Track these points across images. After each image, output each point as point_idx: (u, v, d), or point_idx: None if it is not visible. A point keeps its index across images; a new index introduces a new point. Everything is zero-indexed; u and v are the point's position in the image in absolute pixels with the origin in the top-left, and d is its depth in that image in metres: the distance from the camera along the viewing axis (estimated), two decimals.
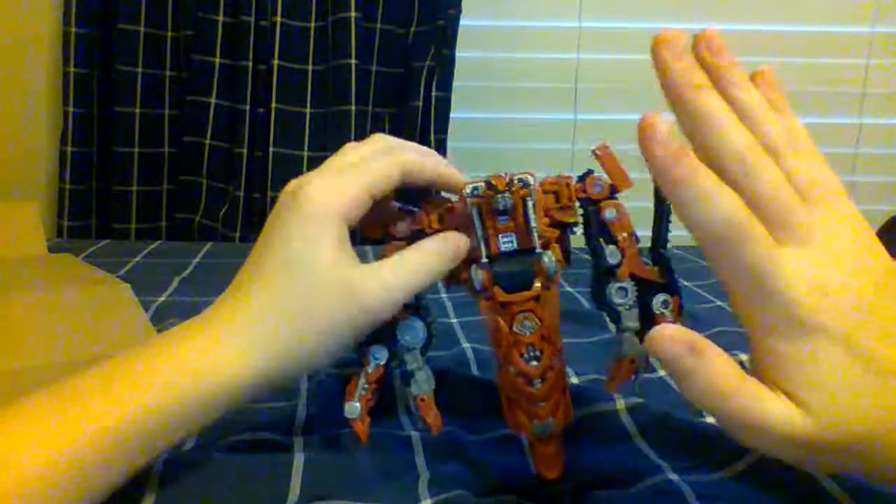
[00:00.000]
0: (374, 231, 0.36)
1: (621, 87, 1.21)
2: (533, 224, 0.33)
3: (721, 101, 0.27)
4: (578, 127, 1.26)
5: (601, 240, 0.34)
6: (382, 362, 0.35)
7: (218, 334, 0.32)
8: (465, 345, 0.54)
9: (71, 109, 1.09)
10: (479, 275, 0.34)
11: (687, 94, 0.27)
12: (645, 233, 0.34)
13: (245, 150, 1.10)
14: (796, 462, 0.27)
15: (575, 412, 0.36)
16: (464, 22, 1.12)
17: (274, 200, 0.39)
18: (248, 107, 1.09)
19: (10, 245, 0.78)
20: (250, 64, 1.08)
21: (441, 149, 1.15)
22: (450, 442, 0.39)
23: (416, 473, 0.36)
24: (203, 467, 0.35)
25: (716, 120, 0.27)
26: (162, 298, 0.66)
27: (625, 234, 0.34)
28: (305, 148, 1.11)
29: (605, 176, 0.34)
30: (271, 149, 1.09)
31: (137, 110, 1.11)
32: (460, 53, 1.13)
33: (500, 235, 0.33)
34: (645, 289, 0.34)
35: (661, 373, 0.49)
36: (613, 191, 0.34)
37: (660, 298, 0.33)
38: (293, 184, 0.35)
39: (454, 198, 0.36)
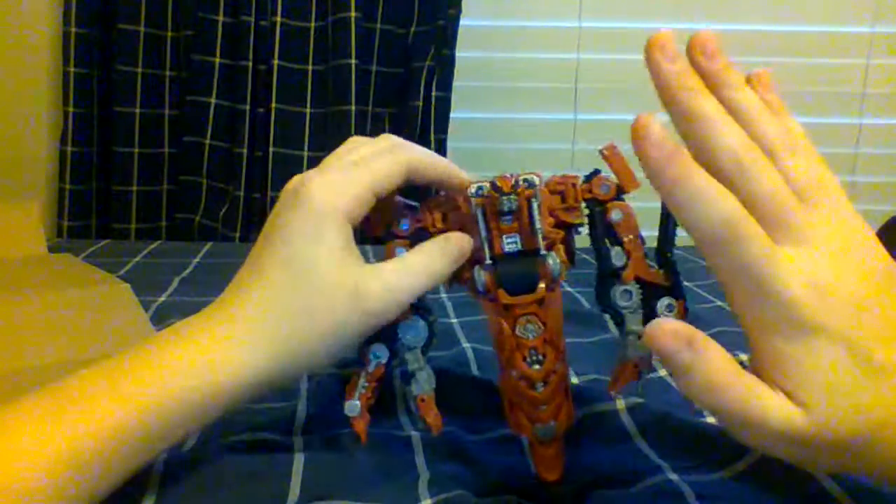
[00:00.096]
0: (377, 229, 0.36)
1: (621, 87, 1.21)
2: (538, 226, 0.32)
3: (715, 102, 0.27)
4: (578, 127, 1.26)
5: (606, 241, 0.34)
6: (383, 361, 0.35)
7: (218, 333, 0.32)
8: (465, 345, 0.54)
9: (71, 109, 1.09)
10: (482, 276, 0.33)
11: (680, 96, 0.27)
12: (651, 233, 0.34)
13: (245, 150, 1.10)
14: (795, 460, 0.27)
15: (575, 412, 0.36)
16: (464, 22, 1.12)
17: (274, 200, 0.39)
18: (248, 107, 1.09)
19: (10, 245, 0.78)
20: (250, 64, 1.08)
21: (441, 149, 1.15)
22: (450, 442, 0.39)
23: (416, 473, 0.36)
24: (203, 467, 0.35)
25: (710, 121, 0.27)
26: (162, 298, 0.66)
27: (631, 237, 0.34)
28: (305, 148, 1.11)
29: (612, 176, 0.34)
30: (271, 149, 1.09)
31: (137, 110, 1.11)
32: (460, 53, 1.13)
33: (503, 236, 0.33)
34: (649, 292, 0.33)
35: (662, 373, 0.49)
36: (620, 192, 0.34)
37: (664, 302, 0.33)
38: (295, 181, 0.34)
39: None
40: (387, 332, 0.34)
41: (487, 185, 0.33)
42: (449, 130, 1.16)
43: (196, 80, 1.10)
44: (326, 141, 1.10)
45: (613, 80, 1.23)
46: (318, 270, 0.32)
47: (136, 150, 1.11)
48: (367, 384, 0.35)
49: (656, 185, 0.26)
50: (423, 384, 0.35)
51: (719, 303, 0.66)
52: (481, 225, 0.33)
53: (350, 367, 0.36)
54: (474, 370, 0.50)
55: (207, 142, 1.11)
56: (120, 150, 1.11)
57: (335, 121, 1.09)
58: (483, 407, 0.41)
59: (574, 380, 0.48)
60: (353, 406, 0.35)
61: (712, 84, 0.28)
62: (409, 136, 0.97)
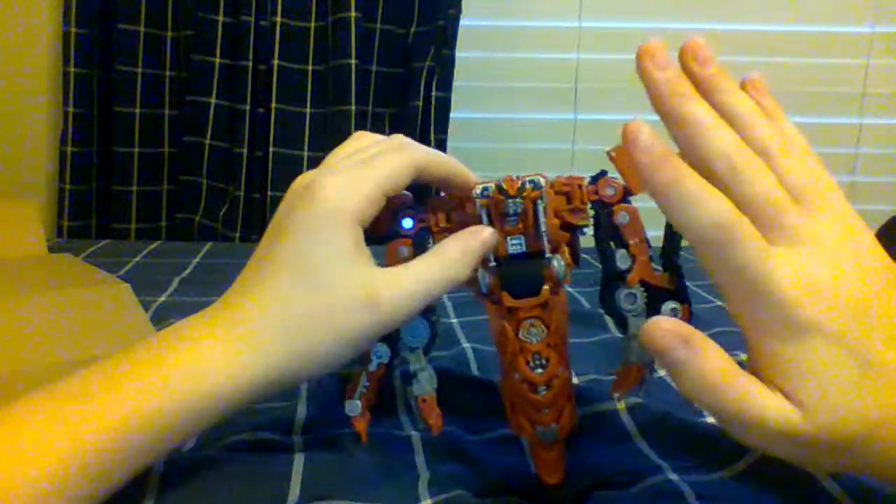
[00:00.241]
0: (380, 228, 0.35)
1: (621, 87, 1.20)
2: (543, 228, 0.32)
3: (706, 106, 0.27)
4: (578, 127, 1.26)
5: (612, 243, 0.33)
6: (384, 361, 0.35)
7: (222, 334, 0.31)
8: (466, 345, 0.54)
9: (71, 109, 1.09)
10: (486, 278, 0.33)
11: (671, 102, 0.27)
12: (656, 233, 0.33)
13: (245, 150, 1.10)
14: (794, 460, 0.27)
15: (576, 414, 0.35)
16: (464, 22, 1.12)
17: (274, 200, 0.38)
18: (248, 107, 1.09)
19: (10, 245, 0.78)
20: (250, 64, 1.08)
21: (441, 149, 1.14)
22: (450, 442, 0.39)
23: (416, 473, 0.36)
24: (203, 467, 0.35)
25: (701, 125, 0.27)
26: (162, 298, 0.66)
27: (637, 240, 0.33)
28: (305, 148, 1.11)
29: (618, 178, 0.34)
30: (271, 149, 1.09)
31: (137, 110, 1.11)
32: (460, 53, 1.13)
33: (508, 238, 0.33)
34: (654, 295, 0.33)
35: (662, 373, 0.49)
36: (627, 194, 0.34)
37: (669, 306, 0.33)
38: (302, 180, 0.34)
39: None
40: (388, 333, 0.34)
41: (493, 186, 0.33)
42: (449, 130, 1.15)
43: (196, 80, 1.09)
44: (326, 141, 1.10)
45: (613, 80, 1.22)
46: (327, 273, 0.31)
47: (136, 150, 1.11)
48: (367, 384, 0.35)
49: (648, 190, 0.26)
50: (425, 384, 0.35)
51: (719, 303, 0.66)
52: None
53: (350, 367, 0.36)
54: (474, 370, 0.50)
55: (207, 142, 1.11)
56: (120, 150, 1.11)
57: (335, 121, 1.09)
58: (483, 407, 0.41)
59: (574, 380, 0.48)
60: (354, 406, 0.35)
61: (705, 89, 0.28)
62: (408, 136, 0.97)
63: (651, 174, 0.25)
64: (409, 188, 0.36)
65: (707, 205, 0.25)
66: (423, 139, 1.12)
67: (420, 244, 0.35)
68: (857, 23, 1.25)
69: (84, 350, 0.50)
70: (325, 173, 0.33)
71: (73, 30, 1.07)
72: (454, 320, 0.61)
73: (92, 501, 0.29)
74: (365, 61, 1.11)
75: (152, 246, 0.91)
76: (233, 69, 1.09)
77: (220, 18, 1.08)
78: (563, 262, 0.32)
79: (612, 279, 0.33)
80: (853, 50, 1.26)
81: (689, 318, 0.33)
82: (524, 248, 0.33)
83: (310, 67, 1.10)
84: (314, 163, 0.34)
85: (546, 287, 0.32)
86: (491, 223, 0.33)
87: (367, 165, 0.33)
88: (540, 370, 0.33)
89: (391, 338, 0.35)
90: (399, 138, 0.36)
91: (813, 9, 1.25)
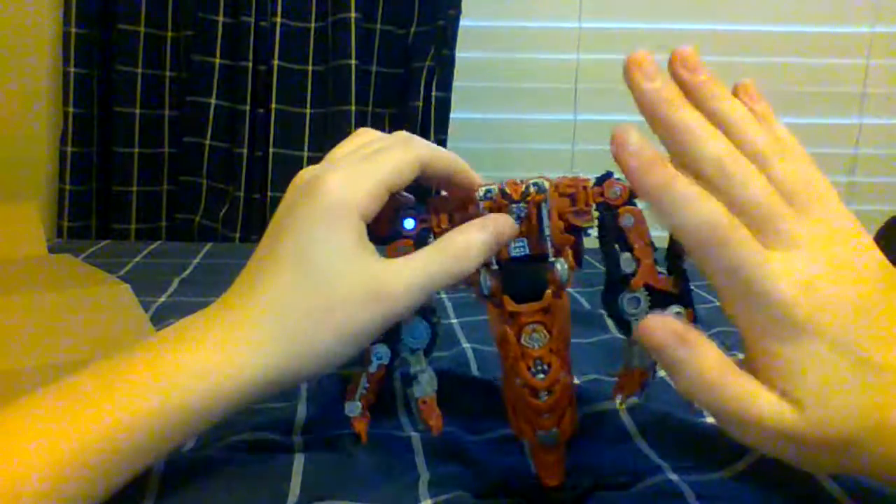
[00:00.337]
0: (381, 228, 0.35)
1: (621, 87, 1.19)
2: (547, 232, 0.32)
3: (695, 112, 0.27)
4: (578, 127, 1.26)
5: (616, 246, 0.33)
6: (385, 362, 0.35)
7: (221, 335, 0.31)
8: (466, 345, 0.54)
9: (71, 110, 1.09)
10: (488, 281, 0.33)
11: (660, 109, 0.27)
12: (662, 234, 0.33)
13: (245, 151, 1.10)
14: (792, 460, 0.27)
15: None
16: (464, 22, 1.12)
17: (274, 201, 0.38)
18: (248, 107, 1.09)
19: (10, 245, 0.78)
20: (250, 64, 1.08)
21: None
22: (450, 442, 0.39)
23: (416, 474, 0.36)
24: (203, 467, 0.35)
25: (691, 131, 0.27)
26: (162, 299, 0.66)
27: (642, 243, 0.33)
28: (305, 148, 1.11)
29: (623, 179, 0.33)
30: (271, 149, 1.09)
31: (137, 110, 1.11)
32: (460, 54, 1.13)
33: (511, 240, 0.33)
34: (658, 299, 0.33)
35: (662, 373, 0.49)
36: (632, 196, 0.33)
37: (673, 310, 0.32)
38: (305, 176, 0.33)
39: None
40: (389, 333, 0.34)
41: (496, 189, 0.32)
42: (449, 131, 1.15)
43: (196, 80, 1.10)
44: (326, 141, 1.10)
45: (613, 81, 1.21)
46: (332, 268, 0.31)
47: (136, 150, 1.11)
48: (367, 385, 0.35)
49: (640, 194, 0.26)
50: (425, 386, 0.35)
51: (718, 303, 0.66)
52: None
53: (350, 367, 0.36)
54: (475, 370, 0.50)
55: (207, 142, 1.11)
56: (120, 151, 1.11)
57: (335, 121, 1.09)
58: (483, 407, 0.41)
59: (574, 380, 0.48)
60: (354, 406, 0.35)
61: (696, 97, 0.28)
62: None
63: (641, 177, 0.25)
64: (410, 188, 0.35)
65: (698, 207, 0.25)
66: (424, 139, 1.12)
67: (421, 245, 0.35)
68: (857, 23, 1.25)
69: (84, 350, 0.50)
70: (328, 169, 0.33)
71: (73, 30, 1.07)
72: (454, 320, 0.61)
73: (92, 501, 0.29)
74: (365, 62, 1.12)
75: (152, 246, 0.91)
76: (233, 69, 1.09)
77: (220, 19, 1.08)
78: (566, 266, 0.32)
79: (616, 283, 0.33)
80: (853, 50, 1.26)
81: (694, 321, 0.32)
82: (527, 251, 0.32)
83: (310, 68, 1.10)
84: (314, 163, 0.34)
85: (549, 291, 0.32)
86: None
87: (370, 161, 0.33)
88: (541, 376, 0.32)
89: (391, 339, 0.34)
90: (403, 134, 0.35)
91: (813, 9, 1.25)
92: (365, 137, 0.36)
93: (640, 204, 0.34)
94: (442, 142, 1.15)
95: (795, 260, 0.25)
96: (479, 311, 0.34)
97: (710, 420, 0.40)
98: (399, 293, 0.31)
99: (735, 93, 0.29)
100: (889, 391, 0.25)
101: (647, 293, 0.33)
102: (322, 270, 0.31)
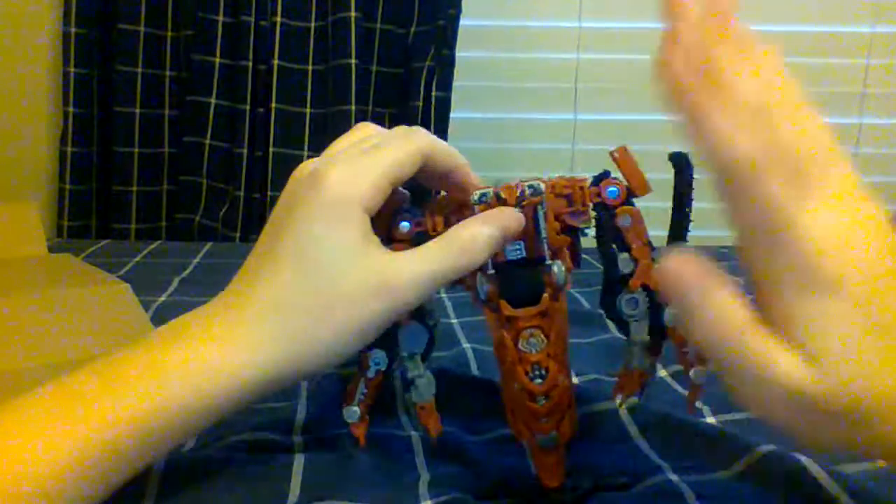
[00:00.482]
0: (377, 230, 0.34)
1: (621, 87, 1.21)
2: (543, 235, 0.32)
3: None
4: (578, 127, 1.26)
5: (614, 247, 0.33)
6: (382, 368, 0.34)
7: (220, 334, 0.31)
8: (466, 345, 0.54)
9: (71, 110, 1.09)
10: (485, 285, 0.32)
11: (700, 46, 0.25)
12: (660, 233, 0.33)
13: (245, 150, 1.10)
14: (796, 430, 0.25)
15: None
16: (464, 22, 1.12)
17: (274, 200, 0.38)
18: (248, 107, 1.09)
19: (10, 245, 0.78)
20: (250, 64, 1.08)
21: None
22: (450, 443, 0.39)
23: (417, 474, 0.36)
24: (203, 467, 0.35)
25: (725, 74, 0.25)
26: (162, 298, 0.66)
27: (639, 243, 0.32)
28: (305, 148, 1.11)
29: (621, 179, 0.33)
30: (271, 149, 1.09)
31: (137, 110, 1.11)
32: (460, 53, 1.13)
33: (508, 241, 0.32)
34: (656, 300, 0.32)
35: (662, 373, 0.49)
36: (630, 196, 0.33)
37: (672, 310, 0.32)
38: (305, 169, 0.33)
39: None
40: (386, 338, 0.33)
41: (491, 192, 0.32)
42: (449, 130, 1.15)
43: (196, 79, 1.09)
44: (326, 141, 1.09)
45: (613, 80, 1.22)
46: (332, 266, 0.31)
47: (136, 150, 1.11)
48: (366, 391, 0.35)
49: (679, 106, 0.24)
50: (423, 392, 0.35)
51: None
52: None
53: (350, 367, 0.35)
54: (474, 370, 0.50)
55: (207, 142, 1.11)
56: (120, 151, 1.11)
57: (335, 121, 1.09)
58: (483, 407, 0.41)
59: (574, 380, 0.48)
60: (353, 412, 0.35)
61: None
62: None
63: (685, 96, 0.24)
64: (409, 189, 0.35)
65: (740, 137, 0.24)
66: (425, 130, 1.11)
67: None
68: (857, 23, 1.25)
69: (84, 350, 0.50)
70: (328, 162, 0.32)
71: (73, 30, 1.07)
72: (454, 321, 0.61)
73: (92, 501, 0.29)
74: (365, 61, 1.11)
75: (152, 246, 0.91)
76: (233, 69, 1.09)
77: (220, 18, 1.08)
78: (563, 268, 0.32)
79: (613, 283, 0.33)
80: (853, 50, 1.26)
81: None
82: (524, 254, 0.32)
83: (310, 67, 1.10)
84: None
85: (546, 294, 0.32)
86: None
87: (371, 154, 0.32)
88: (539, 380, 0.32)
89: (388, 344, 0.34)
90: (403, 128, 0.35)
91: (813, 9, 1.25)
92: (365, 131, 0.36)
93: (638, 205, 0.33)
94: None
95: (833, 209, 0.24)
96: (479, 311, 0.34)
97: (710, 420, 0.40)
98: (405, 286, 0.31)
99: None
100: None
101: (645, 294, 0.32)
102: (322, 268, 0.31)
